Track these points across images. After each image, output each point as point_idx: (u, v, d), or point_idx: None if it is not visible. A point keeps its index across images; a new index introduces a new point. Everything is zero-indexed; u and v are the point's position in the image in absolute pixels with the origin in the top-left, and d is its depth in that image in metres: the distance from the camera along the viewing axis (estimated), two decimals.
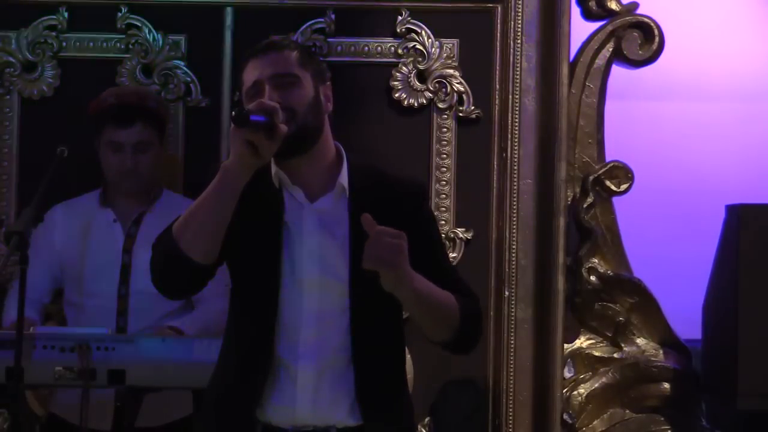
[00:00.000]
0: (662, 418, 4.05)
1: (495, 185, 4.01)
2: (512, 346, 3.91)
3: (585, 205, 4.02)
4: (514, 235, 3.96)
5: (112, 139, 3.58)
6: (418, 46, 4.01)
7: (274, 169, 2.58)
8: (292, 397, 2.54)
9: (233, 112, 2.43)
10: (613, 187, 4.04)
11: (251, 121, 2.41)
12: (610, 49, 4.08)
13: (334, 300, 2.55)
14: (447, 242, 3.94)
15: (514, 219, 3.96)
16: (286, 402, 2.54)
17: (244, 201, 2.53)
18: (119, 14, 4.02)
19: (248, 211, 2.55)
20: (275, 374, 2.54)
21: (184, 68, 4.03)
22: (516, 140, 3.97)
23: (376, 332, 2.56)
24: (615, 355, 4.06)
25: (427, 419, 3.98)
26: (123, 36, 4.03)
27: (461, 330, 2.57)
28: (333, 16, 4.03)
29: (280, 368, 2.55)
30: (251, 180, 2.52)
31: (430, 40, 4.02)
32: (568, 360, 4.01)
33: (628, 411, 4.06)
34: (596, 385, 4.02)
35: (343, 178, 2.59)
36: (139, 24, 4.03)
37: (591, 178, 4.03)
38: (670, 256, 4.28)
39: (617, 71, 4.13)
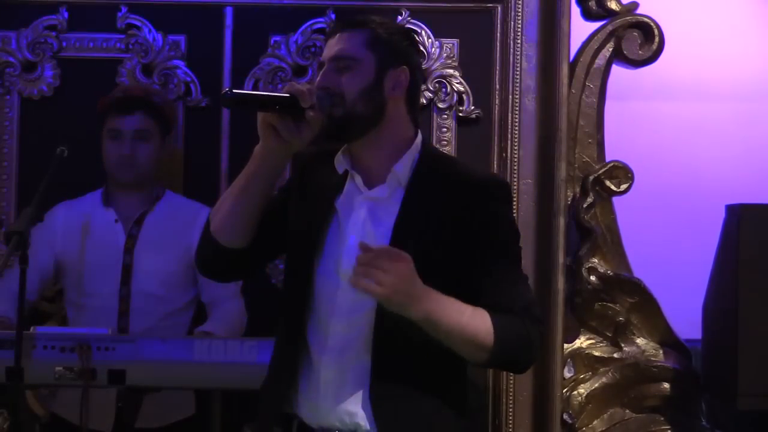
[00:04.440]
0: (662, 418, 4.05)
1: None
2: None
3: (585, 205, 4.02)
4: None
5: (112, 126, 3.61)
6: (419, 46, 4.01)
7: (339, 153, 2.53)
8: (316, 393, 2.46)
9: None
10: (613, 187, 4.04)
11: (231, 100, 2.36)
12: (610, 49, 4.08)
13: (366, 296, 2.38)
14: None
15: None
16: (311, 398, 2.47)
17: (308, 184, 2.51)
18: (119, 14, 4.02)
19: (309, 194, 2.52)
20: (305, 367, 2.48)
21: (184, 68, 4.03)
22: (516, 140, 3.96)
23: (399, 334, 2.40)
24: (615, 355, 4.05)
25: None
26: (123, 36, 4.03)
27: (497, 354, 2.40)
28: (333, 16, 4.03)
29: (308, 361, 2.48)
30: (321, 163, 2.50)
31: (430, 40, 4.02)
32: (568, 360, 4.01)
33: (628, 411, 4.05)
34: (596, 385, 4.02)
35: (400, 167, 2.48)
36: (139, 24, 4.03)
37: (591, 178, 4.03)
38: (670, 256, 4.28)
39: (617, 71, 4.13)
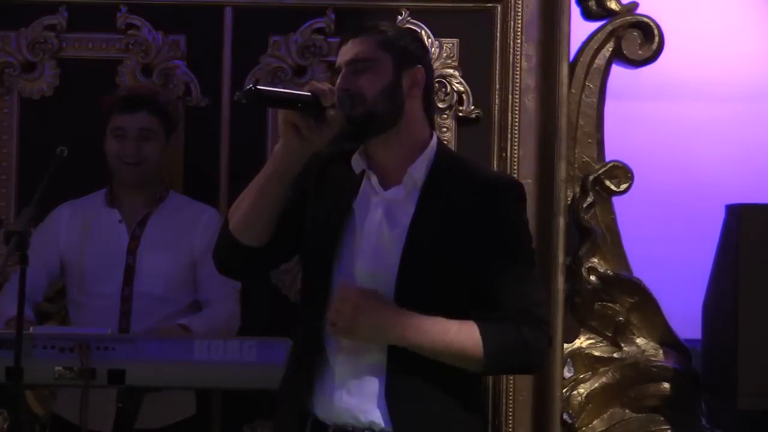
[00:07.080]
0: (662, 418, 4.05)
1: None
2: None
3: (585, 205, 4.02)
4: None
5: (116, 124, 3.60)
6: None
7: (356, 153, 2.55)
8: (331, 391, 2.49)
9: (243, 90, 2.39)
10: (613, 187, 4.04)
11: (254, 95, 2.36)
12: (610, 49, 4.08)
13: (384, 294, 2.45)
14: None
15: None
16: (326, 396, 2.50)
17: (325, 184, 2.54)
18: (119, 14, 4.02)
19: (326, 194, 2.54)
20: (321, 366, 2.51)
21: (184, 68, 4.03)
22: (516, 140, 3.96)
23: None
24: (615, 355, 4.06)
25: None
26: (123, 36, 4.03)
27: (490, 364, 2.46)
28: (333, 16, 4.03)
29: (324, 360, 2.51)
30: (337, 163, 2.53)
31: (430, 40, 4.02)
32: (568, 360, 4.01)
33: (628, 411, 4.06)
34: (596, 385, 4.03)
35: (416, 168, 2.51)
36: (139, 24, 4.03)
37: (591, 178, 4.03)
38: (670, 256, 4.28)
39: (617, 71, 4.13)
